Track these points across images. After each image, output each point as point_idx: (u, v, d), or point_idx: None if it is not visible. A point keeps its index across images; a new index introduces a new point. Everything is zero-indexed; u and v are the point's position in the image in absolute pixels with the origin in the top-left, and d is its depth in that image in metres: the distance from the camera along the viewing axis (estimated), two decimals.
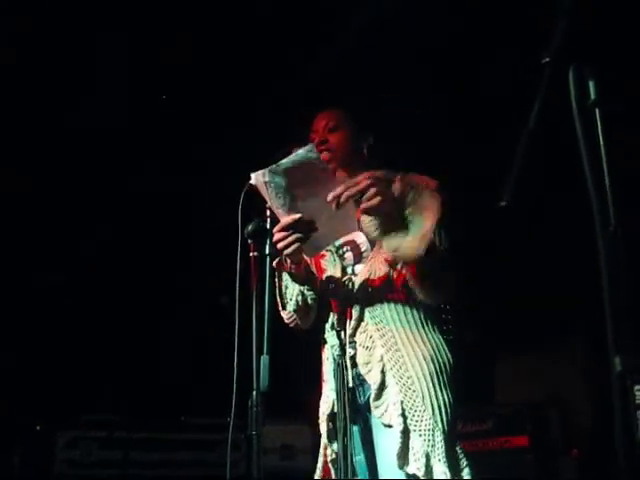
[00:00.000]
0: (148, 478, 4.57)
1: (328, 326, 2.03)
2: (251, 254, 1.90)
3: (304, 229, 1.87)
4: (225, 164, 4.19)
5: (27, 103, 4.10)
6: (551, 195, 3.99)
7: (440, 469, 1.72)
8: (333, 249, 2.09)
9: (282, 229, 1.87)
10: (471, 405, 4.61)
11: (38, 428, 4.35)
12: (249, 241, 1.92)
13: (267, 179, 1.84)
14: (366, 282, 1.96)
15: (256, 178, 1.86)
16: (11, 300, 4.82)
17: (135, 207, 4.83)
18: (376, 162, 2.14)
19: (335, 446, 1.98)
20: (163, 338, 5.30)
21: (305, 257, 2.05)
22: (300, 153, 1.82)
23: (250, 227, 1.92)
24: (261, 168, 1.96)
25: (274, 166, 1.84)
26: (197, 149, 4.55)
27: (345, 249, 2.07)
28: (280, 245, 1.87)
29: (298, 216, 1.86)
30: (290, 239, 1.86)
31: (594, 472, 4.14)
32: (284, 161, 1.83)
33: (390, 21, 3.62)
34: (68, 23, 3.68)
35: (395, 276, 1.93)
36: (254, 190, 1.89)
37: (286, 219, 1.87)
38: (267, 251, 1.90)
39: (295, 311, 2.09)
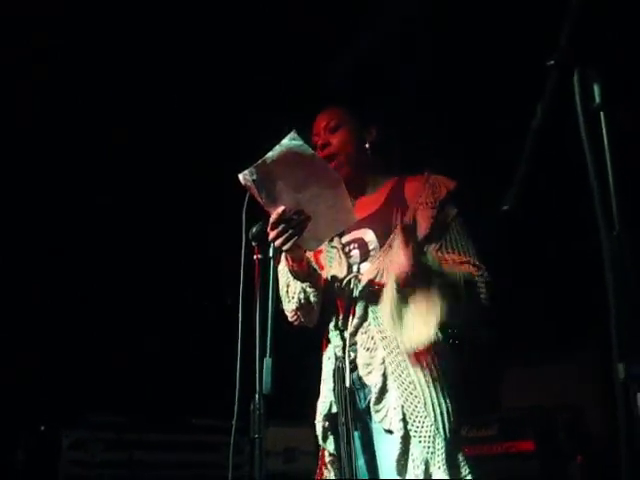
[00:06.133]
0: (153, 479, 4.57)
1: (332, 325, 2.00)
2: (255, 257, 1.87)
3: (295, 221, 1.81)
4: (230, 166, 4.18)
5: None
6: (559, 200, 3.95)
7: (439, 477, 1.69)
8: (339, 246, 2.05)
9: (273, 226, 1.82)
10: (476, 411, 4.58)
11: (42, 429, 4.35)
12: (253, 244, 1.89)
13: (254, 177, 1.78)
14: (372, 282, 1.92)
15: (243, 178, 1.80)
16: (18, 300, 4.83)
17: (136, 209, 4.82)
18: (380, 159, 2.13)
19: (330, 446, 1.96)
20: (168, 339, 5.30)
21: (307, 253, 2.02)
22: (284, 143, 1.74)
23: (254, 229, 1.89)
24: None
25: (259, 162, 1.77)
26: (202, 149, 4.55)
27: (352, 246, 2.02)
28: (277, 243, 1.82)
29: (282, 208, 1.80)
30: (285, 235, 1.81)
31: (602, 478, 4.10)
32: (269, 155, 1.75)
33: (395, 25, 3.61)
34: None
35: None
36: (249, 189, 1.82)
37: (273, 215, 1.82)
38: (271, 254, 1.86)
39: (298, 309, 2.04)
